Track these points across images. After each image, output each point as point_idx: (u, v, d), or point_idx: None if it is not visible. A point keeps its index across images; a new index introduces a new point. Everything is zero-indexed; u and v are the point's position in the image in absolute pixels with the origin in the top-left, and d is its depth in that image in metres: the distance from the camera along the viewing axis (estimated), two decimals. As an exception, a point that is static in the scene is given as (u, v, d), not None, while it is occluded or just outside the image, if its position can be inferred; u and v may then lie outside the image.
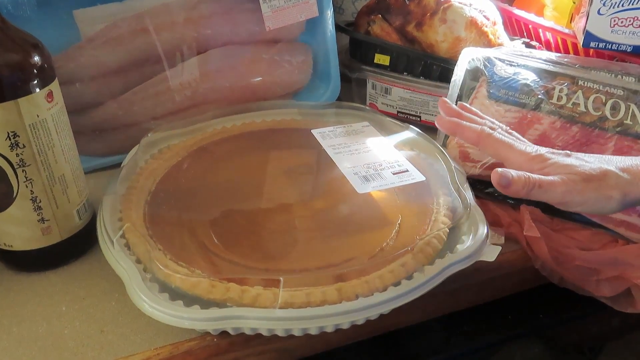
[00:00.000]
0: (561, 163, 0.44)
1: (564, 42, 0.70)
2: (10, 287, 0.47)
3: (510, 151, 0.46)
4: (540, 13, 0.79)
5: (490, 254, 0.43)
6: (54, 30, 0.57)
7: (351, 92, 0.74)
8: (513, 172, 0.43)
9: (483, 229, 0.44)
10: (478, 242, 0.43)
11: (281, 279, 0.37)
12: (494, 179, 0.43)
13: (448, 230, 0.45)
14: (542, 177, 0.43)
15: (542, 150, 0.46)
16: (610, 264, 0.47)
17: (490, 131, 0.48)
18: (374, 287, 0.39)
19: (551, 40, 0.72)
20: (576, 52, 0.69)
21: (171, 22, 0.61)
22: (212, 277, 0.39)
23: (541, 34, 0.73)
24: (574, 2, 0.75)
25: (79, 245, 0.49)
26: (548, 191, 0.42)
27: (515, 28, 0.78)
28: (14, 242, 0.46)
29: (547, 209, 0.54)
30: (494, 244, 0.44)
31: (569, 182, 0.42)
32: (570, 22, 0.76)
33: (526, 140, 0.49)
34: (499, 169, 0.43)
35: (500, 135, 0.48)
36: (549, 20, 0.75)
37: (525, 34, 0.76)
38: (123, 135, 0.63)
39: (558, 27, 0.71)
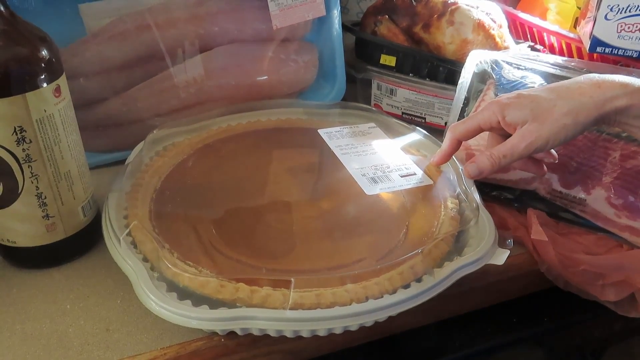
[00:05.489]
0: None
1: (569, 46, 0.70)
2: (13, 284, 0.46)
3: (472, 119, 0.48)
4: (543, 17, 0.79)
5: (500, 258, 0.42)
6: (58, 24, 0.56)
7: (355, 92, 0.74)
8: (478, 161, 0.46)
9: (492, 232, 0.44)
10: (487, 245, 0.43)
11: (292, 280, 0.37)
12: (466, 174, 0.47)
13: (456, 233, 0.45)
14: (502, 146, 0.45)
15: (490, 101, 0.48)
16: (616, 268, 0.48)
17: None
18: (384, 289, 0.39)
19: (555, 44, 0.72)
20: (580, 56, 0.69)
21: (177, 18, 0.60)
22: (222, 276, 0.39)
23: (545, 38, 0.73)
24: (578, 7, 0.76)
25: (83, 242, 0.49)
26: (514, 153, 0.45)
27: (520, 31, 0.78)
28: (17, 238, 0.45)
29: (552, 213, 0.54)
30: (502, 248, 0.44)
31: (526, 134, 0.44)
32: (574, 27, 0.76)
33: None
34: (467, 166, 0.47)
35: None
36: (552, 24, 0.75)
37: (529, 37, 0.76)
38: (126, 131, 0.62)
39: (563, 31, 0.71)
